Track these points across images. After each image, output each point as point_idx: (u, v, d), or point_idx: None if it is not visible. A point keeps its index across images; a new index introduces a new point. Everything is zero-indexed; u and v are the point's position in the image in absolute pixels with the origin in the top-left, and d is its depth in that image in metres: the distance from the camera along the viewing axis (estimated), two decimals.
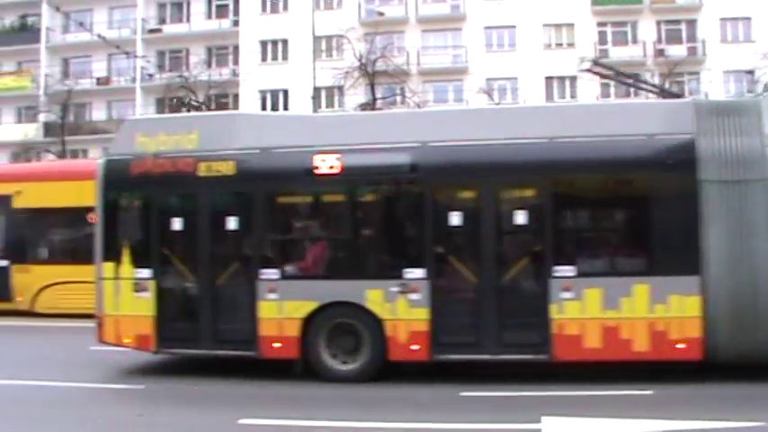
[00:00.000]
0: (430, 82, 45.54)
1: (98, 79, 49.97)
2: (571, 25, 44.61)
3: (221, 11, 49.06)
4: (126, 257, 11.38)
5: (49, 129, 47.90)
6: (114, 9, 50.47)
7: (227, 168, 11.02)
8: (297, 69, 42.96)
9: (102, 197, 11.63)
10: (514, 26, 44.71)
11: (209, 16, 49.23)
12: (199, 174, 11.12)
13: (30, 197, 19.37)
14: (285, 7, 47.35)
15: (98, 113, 50.65)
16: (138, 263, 11.34)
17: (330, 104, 44.68)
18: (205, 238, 11.28)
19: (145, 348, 11.42)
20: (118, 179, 11.59)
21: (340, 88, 42.95)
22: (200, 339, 11.10)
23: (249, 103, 45.40)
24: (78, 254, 17.48)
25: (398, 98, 41.96)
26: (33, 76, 50.46)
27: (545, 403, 9.06)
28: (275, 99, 46.71)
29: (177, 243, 11.67)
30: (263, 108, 46.29)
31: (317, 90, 39.88)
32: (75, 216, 17.82)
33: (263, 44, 47.44)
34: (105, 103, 50.47)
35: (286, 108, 45.73)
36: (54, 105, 46.65)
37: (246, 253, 11.36)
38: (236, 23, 48.17)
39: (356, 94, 41.18)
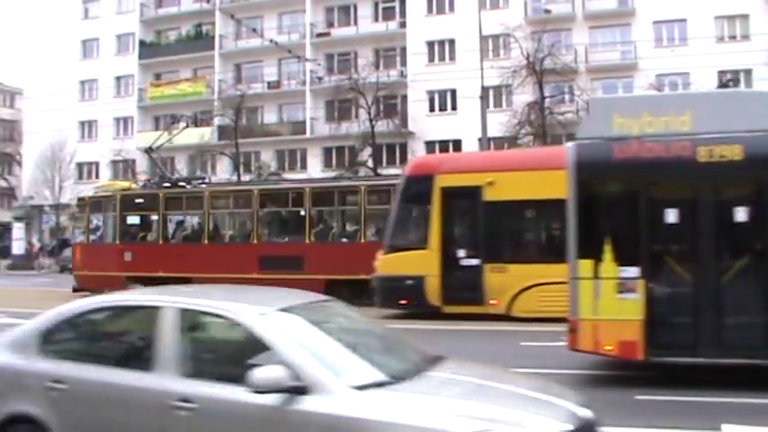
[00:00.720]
0: (598, 79, 50.85)
1: (269, 83, 58.93)
2: (745, 16, 49.61)
3: (388, 13, 56.83)
4: (607, 254, 11.31)
5: (222, 132, 56.73)
6: (284, 15, 59.57)
7: (732, 153, 10.90)
8: (464, 69, 47.61)
9: (575, 185, 11.62)
10: (685, 20, 49.71)
11: (376, 19, 57.10)
12: (698, 159, 11.05)
13: (503, 188, 19.29)
14: (451, 8, 54.15)
15: (269, 116, 59.77)
16: (622, 260, 11.25)
17: (498, 104, 50.34)
18: (706, 231, 11.19)
19: (630, 357, 11.39)
20: (594, 165, 11.69)
21: (508, 87, 48.51)
22: (700, 346, 10.94)
23: (417, 104, 52.98)
24: (562, 252, 16.93)
25: (566, 96, 47.83)
26: (208, 81, 60.23)
27: (724, 410, 9.59)
28: (443, 99, 53.62)
29: (671, 237, 11.70)
30: (431, 110, 54.30)
31: (484, 90, 43.21)
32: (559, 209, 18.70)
33: (430, 45, 54.57)
34: (276, 106, 59.53)
35: (454, 108, 52.64)
36: (227, 109, 55.31)
37: (759, 247, 11.25)
38: (402, 25, 55.51)
39: (524, 93, 46.67)
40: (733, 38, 50.22)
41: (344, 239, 25.35)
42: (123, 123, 62.87)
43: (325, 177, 43.30)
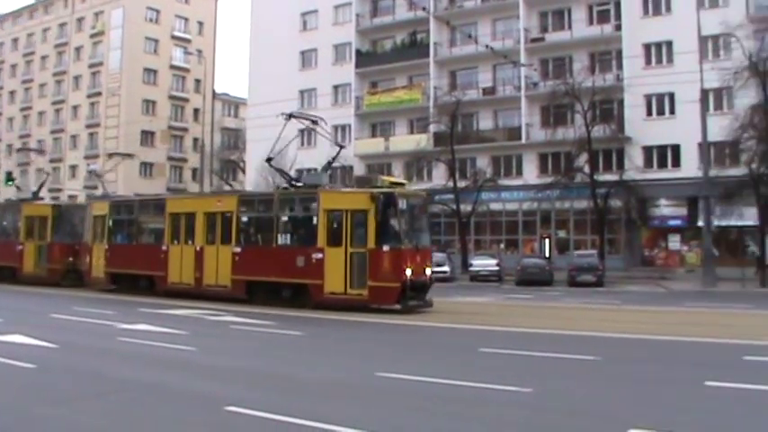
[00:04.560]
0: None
1: (484, 89, 60.97)
2: None
3: (603, 16, 57.67)
4: None
5: (438, 138, 58.91)
6: (497, 21, 61.49)
7: None
8: (682, 71, 48.32)
9: None
10: None
11: (591, 22, 58.10)
12: None
13: None
14: (668, 8, 54.61)
15: (484, 123, 61.66)
16: None
17: (718, 107, 50.59)
18: None
19: None
20: None
21: (729, 89, 48.03)
22: None
23: (634, 108, 53.50)
24: None
25: None
26: (423, 88, 62.90)
27: None
28: (660, 103, 53.93)
29: None
30: (648, 114, 54.47)
31: (704, 92, 44.38)
32: None
33: (647, 47, 55.01)
34: (491, 112, 61.39)
35: (672, 112, 52.97)
36: (443, 116, 57.75)
37: None
38: (618, 27, 56.11)
39: (746, 96, 45.31)
40: None
41: None
42: (341, 131, 65.86)
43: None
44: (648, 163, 53.82)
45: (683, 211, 53.16)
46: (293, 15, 71.26)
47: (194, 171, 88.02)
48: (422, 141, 59.17)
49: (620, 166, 53.45)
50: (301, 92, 69.86)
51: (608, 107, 54.42)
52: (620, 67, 55.87)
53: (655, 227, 54.64)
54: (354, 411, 10.14)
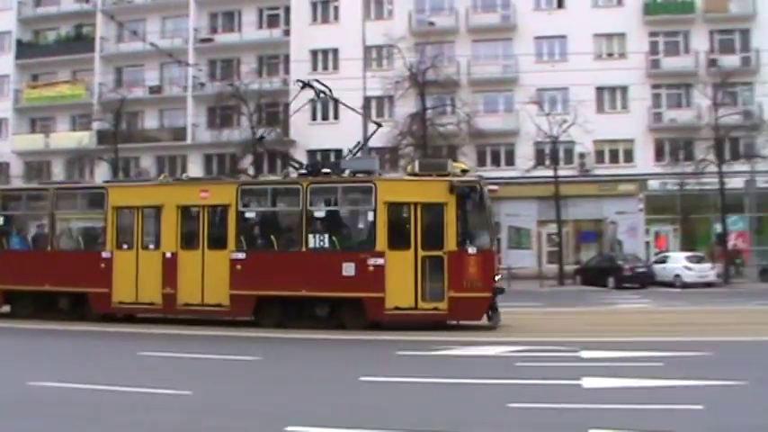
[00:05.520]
0: (480, 92, 53.48)
1: (150, 88, 59.53)
2: (622, 35, 53.02)
3: (272, 20, 58.18)
4: None
5: (102, 136, 56.35)
6: (167, 19, 60.19)
7: None
8: (347, 78, 47.91)
9: None
10: (565, 36, 52.90)
11: (261, 26, 58.35)
12: None
13: None
14: (336, 17, 56.18)
15: (150, 122, 60.25)
16: None
17: (380, 114, 51.89)
18: None
19: None
20: None
21: (390, 98, 50.64)
22: None
23: (299, 112, 53.83)
24: None
25: (448, 108, 49.51)
26: (87, 84, 60.44)
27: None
28: (325, 109, 54.78)
29: None
30: (313, 118, 55.33)
31: (367, 100, 45.92)
32: None
33: (314, 53, 56.20)
34: (157, 111, 60.08)
35: (336, 118, 53.85)
36: (107, 113, 55.13)
37: None
38: (287, 33, 56.92)
39: (406, 105, 48.36)
40: (610, 55, 53.59)
41: None
42: None
43: None
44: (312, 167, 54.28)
45: None
46: None
47: None
48: (85, 139, 56.35)
49: (285, 168, 53.67)
50: None
51: (274, 110, 54.68)
52: (287, 71, 56.40)
53: None
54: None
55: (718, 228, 48.28)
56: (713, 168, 45.73)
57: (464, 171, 22.21)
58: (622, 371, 13.42)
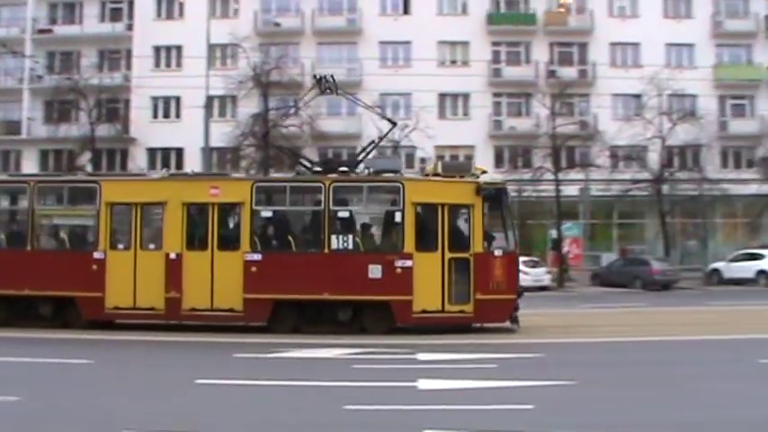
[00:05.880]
0: (323, 94, 53.66)
1: None
2: (466, 43, 54.30)
3: (115, 14, 56.63)
4: None
5: None
6: (2, 6, 57.69)
7: None
8: (190, 76, 48.04)
9: None
10: (410, 42, 53.80)
11: (103, 19, 56.68)
12: None
13: None
14: (181, 13, 55.16)
15: None
16: None
17: (223, 114, 52.05)
18: None
19: None
20: None
21: (233, 98, 50.60)
22: None
23: (140, 109, 53.27)
24: None
25: (292, 110, 48.94)
26: None
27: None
28: (167, 106, 54.29)
29: None
30: (155, 116, 54.60)
31: (209, 99, 45.12)
32: None
33: (157, 50, 55.18)
34: None
35: (178, 116, 53.47)
36: None
37: None
38: (129, 27, 55.62)
39: (249, 105, 48.23)
40: (454, 62, 54.67)
41: None
42: None
43: None
44: (152, 165, 53.28)
45: None
46: None
47: None
48: None
49: (123, 167, 52.78)
50: None
51: (115, 106, 53.59)
52: (129, 67, 55.43)
53: None
54: None
55: (553, 233, 49.74)
56: (550, 176, 47.19)
57: (483, 173, 21.84)
58: (457, 373, 13.83)
